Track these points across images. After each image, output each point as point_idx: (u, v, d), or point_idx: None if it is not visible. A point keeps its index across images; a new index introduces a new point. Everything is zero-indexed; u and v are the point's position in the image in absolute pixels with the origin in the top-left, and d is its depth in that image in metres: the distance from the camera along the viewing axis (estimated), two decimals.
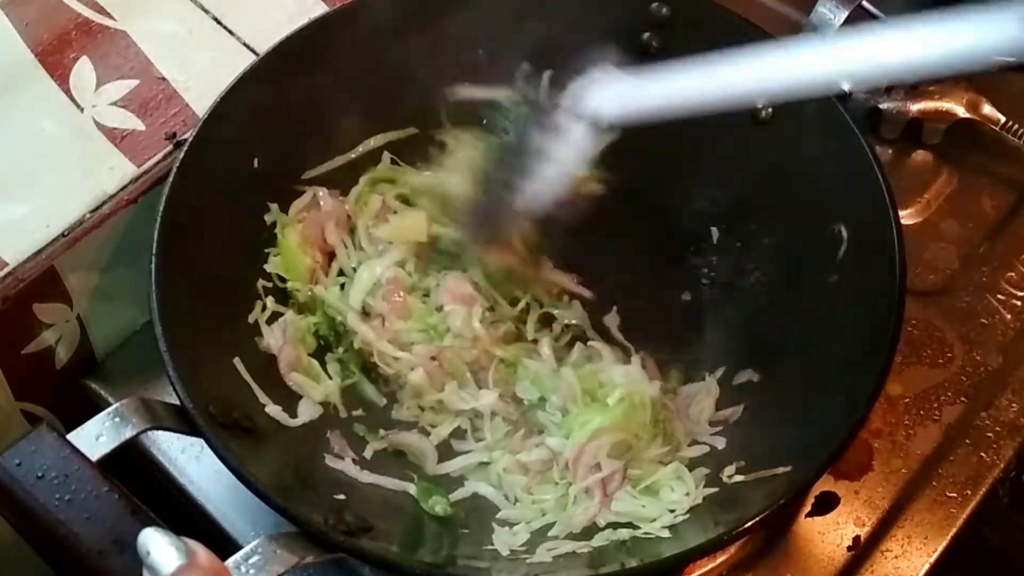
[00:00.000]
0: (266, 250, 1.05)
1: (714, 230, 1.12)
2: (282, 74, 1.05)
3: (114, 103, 1.07)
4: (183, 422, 0.85)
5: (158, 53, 1.11)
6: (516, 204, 0.98)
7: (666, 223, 1.13)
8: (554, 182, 0.96)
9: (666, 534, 0.90)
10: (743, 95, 0.89)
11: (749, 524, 0.84)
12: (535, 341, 1.05)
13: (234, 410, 0.90)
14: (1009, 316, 1.11)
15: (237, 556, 0.76)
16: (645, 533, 0.91)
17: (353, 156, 1.12)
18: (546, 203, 0.97)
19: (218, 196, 1.01)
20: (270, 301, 1.03)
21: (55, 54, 1.10)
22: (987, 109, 1.18)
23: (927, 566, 0.98)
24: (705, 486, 0.94)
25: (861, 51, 0.80)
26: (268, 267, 1.04)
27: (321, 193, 1.08)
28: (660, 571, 0.88)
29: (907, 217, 1.16)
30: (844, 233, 1.00)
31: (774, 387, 1.00)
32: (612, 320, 1.08)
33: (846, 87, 1.09)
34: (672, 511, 0.93)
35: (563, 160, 0.95)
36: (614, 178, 1.04)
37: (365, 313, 1.04)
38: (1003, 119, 1.17)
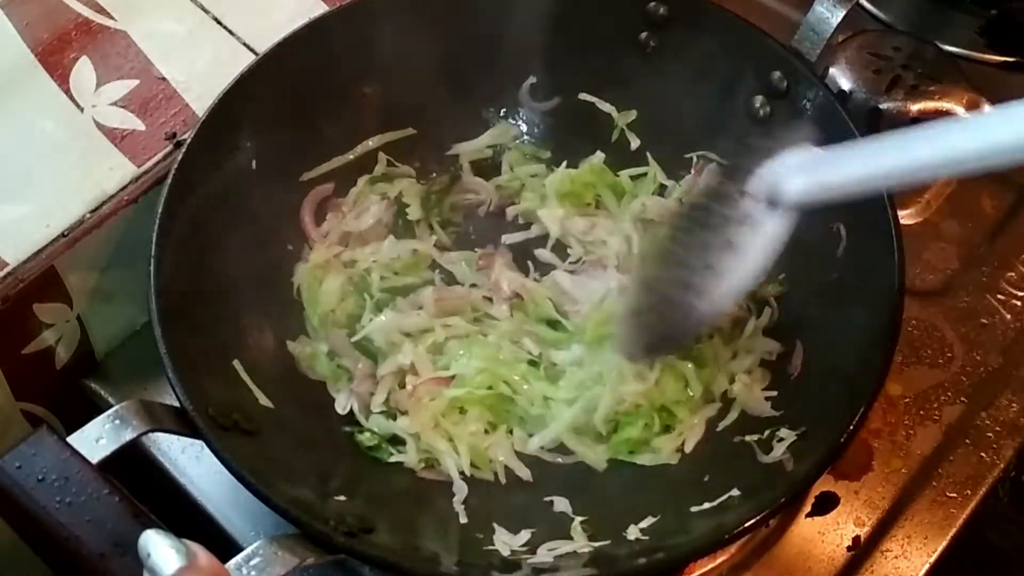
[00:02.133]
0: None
1: None
2: (282, 74, 1.05)
3: (114, 103, 1.07)
4: (183, 424, 0.85)
5: (158, 53, 1.11)
6: (700, 307, 0.87)
7: None
8: (744, 278, 0.86)
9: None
10: (933, 170, 0.81)
11: (749, 524, 0.84)
12: None
13: (234, 412, 0.90)
14: (1009, 316, 1.11)
15: (238, 558, 0.76)
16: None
17: (351, 157, 1.12)
18: (730, 303, 0.88)
19: (218, 196, 1.01)
20: None
21: (55, 54, 1.10)
22: (987, 109, 1.18)
23: (927, 566, 0.98)
24: None
25: None
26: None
27: None
28: (660, 571, 0.88)
29: (907, 217, 1.16)
30: (843, 232, 1.00)
31: (773, 386, 1.00)
32: None
33: None
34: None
35: (755, 252, 0.85)
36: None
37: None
38: None
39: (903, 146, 0.78)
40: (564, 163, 1.16)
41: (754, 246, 0.85)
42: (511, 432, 1.01)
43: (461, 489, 0.97)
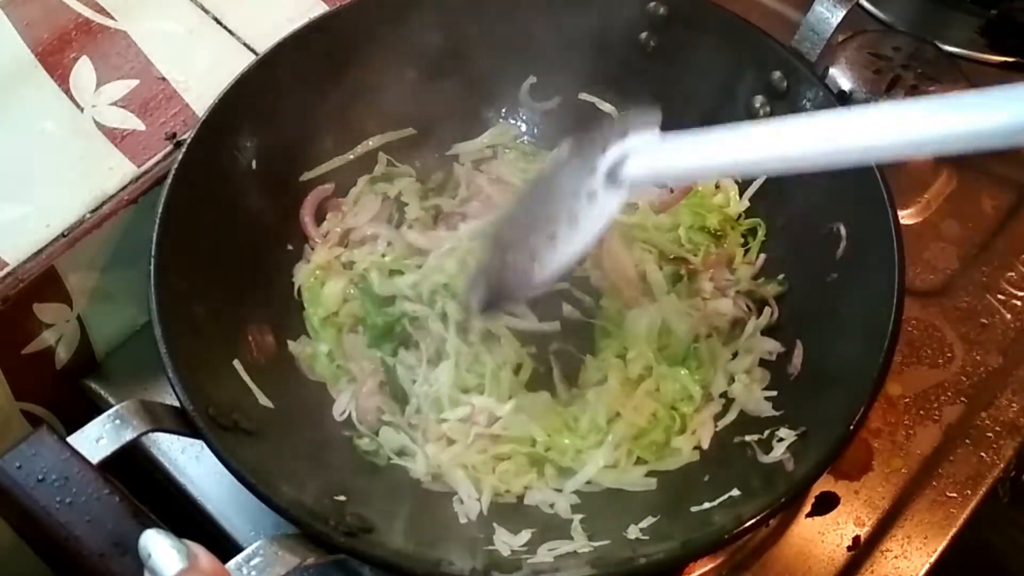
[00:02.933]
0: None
1: None
2: (282, 74, 1.05)
3: (114, 103, 1.07)
4: (183, 424, 0.85)
5: (158, 53, 1.11)
6: (536, 273, 0.88)
7: None
8: (578, 250, 0.88)
9: None
10: (778, 164, 0.83)
11: (749, 524, 0.84)
12: None
13: (234, 412, 0.90)
14: (1009, 316, 1.11)
15: (239, 558, 0.76)
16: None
17: (352, 157, 1.13)
18: (560, 274, 0.89)
19: (218, 196, 1.01)
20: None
21: (55, 54, 1.10)
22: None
23: (927, 566, 0.98)
24: None
25: (901, 122, 0.71)
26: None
27: None
28: (660, 571, 0.88)
29: (907, 217, 1.16)
30: (843, 232, 1.00)
31: (773, 386, 1.00)
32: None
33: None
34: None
35: (592, 227, 0.87)
36: None
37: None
38: None
39: (744, 140, 0.81)
40: None
41: (591, 221, 0.87)
42: (542, 474, 0.99)
43: (472, 508, 0.96)
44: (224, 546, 0.97)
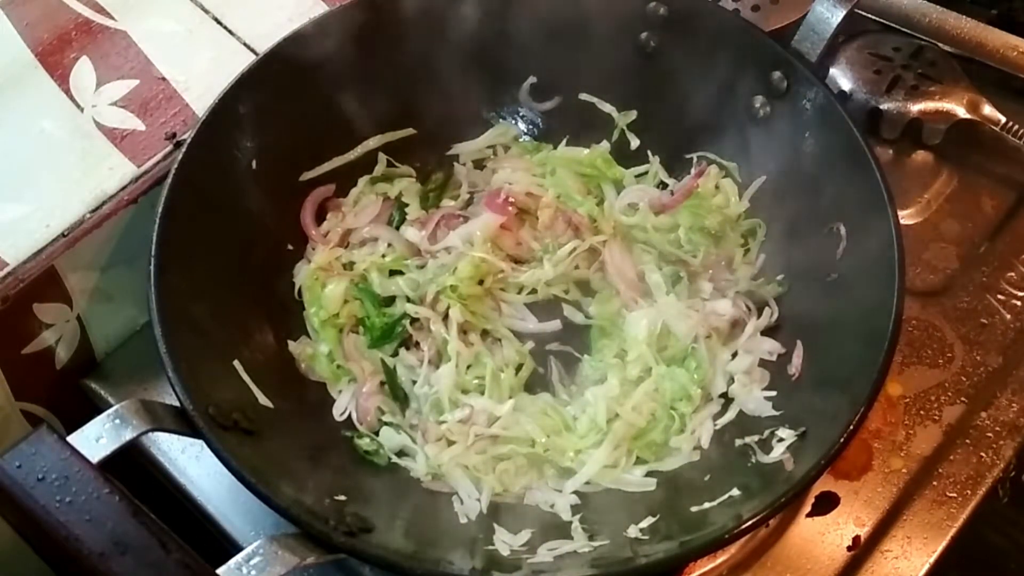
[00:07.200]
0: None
1: None
2: (282, 74, 1.05)
3: (114, 103, 1.07)
4: (183, 424, 0.85)
5: (158, 53, 1.11)
6: None
7: None
8: None
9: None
10: None
11: (749, 524, 0.84)
12: None
13: (234, 412, 0.90)
14: (1009, 316, 1.11)
15: (238, 557, 0.76)
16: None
17: (352, 157, 1.13)
18: None
19: (218, 196, 1.01)
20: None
21: (55, 54, 1.10)
22: (987, 109, 1.18)
23: (927, 566, 0.98)
24: None
25: None
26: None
27: None
28: (660, 571, 0.88)
29: (907, 217, 1.16)
30: (843, 232, 1.00)
31: (773, 386, 1.00)
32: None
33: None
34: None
35: None
36: None
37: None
38: (1003, 119, 1.17)
39: None
40: None
41: None
42: (541, 474, 0.99)
43: (471, 508, 0.96)
44: (224, 546, 0.97)
